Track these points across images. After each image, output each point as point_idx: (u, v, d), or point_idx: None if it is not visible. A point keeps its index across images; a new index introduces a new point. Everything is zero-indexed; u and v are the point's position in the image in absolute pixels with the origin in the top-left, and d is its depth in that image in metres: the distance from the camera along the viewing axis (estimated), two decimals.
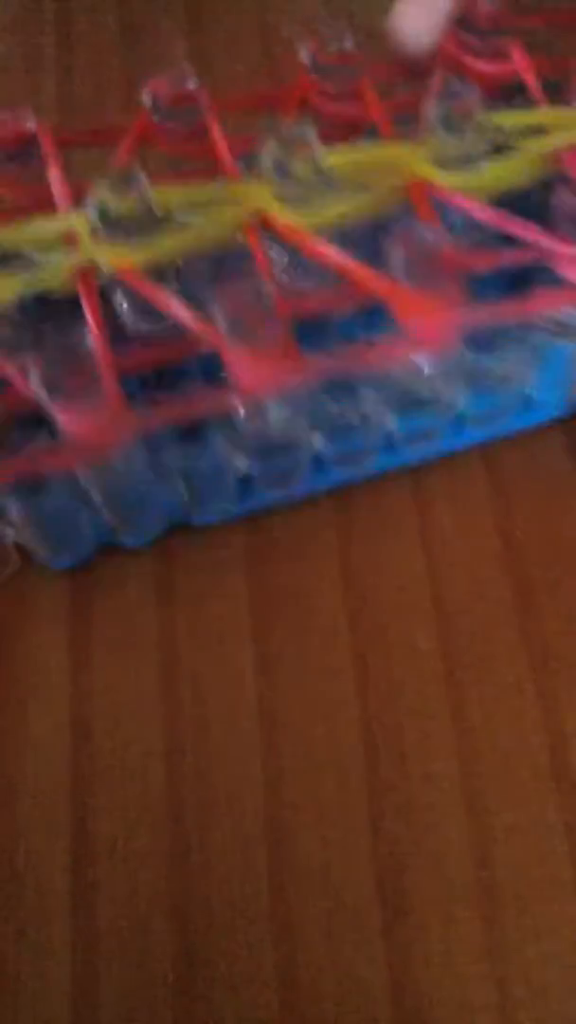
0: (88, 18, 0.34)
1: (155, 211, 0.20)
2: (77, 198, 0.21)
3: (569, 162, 0.21)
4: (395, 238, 0.20)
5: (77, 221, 0.20)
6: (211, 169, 0.22)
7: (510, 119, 0.22)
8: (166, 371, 0.21)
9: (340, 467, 0.24)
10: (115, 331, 0.20)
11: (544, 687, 0.23)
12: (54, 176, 0.21)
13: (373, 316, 0.22)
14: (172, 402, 0.20)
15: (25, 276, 0.20)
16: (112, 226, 0.20)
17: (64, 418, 0.19)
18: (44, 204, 0.21)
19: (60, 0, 0.34)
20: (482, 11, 0.23)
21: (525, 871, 0.21)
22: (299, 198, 0.20)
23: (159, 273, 0.20)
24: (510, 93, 0.23)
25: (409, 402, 0.23)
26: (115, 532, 0.24)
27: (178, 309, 0.19)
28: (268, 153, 0.21)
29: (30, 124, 0.22)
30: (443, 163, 0.21)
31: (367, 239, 0.21)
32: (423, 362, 0.22)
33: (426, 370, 0.22)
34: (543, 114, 0.22)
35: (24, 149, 0.22)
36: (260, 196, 0.20)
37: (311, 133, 0.21)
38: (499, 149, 0.21)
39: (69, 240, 0.20)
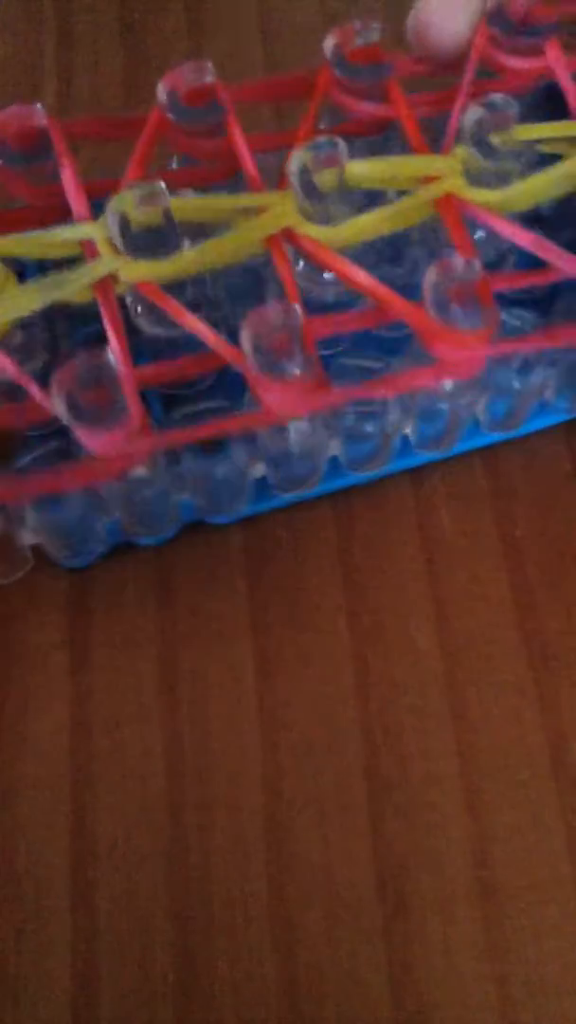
0: (88, 18, 0.34)
1: (176, 224, 0.19)
2: (91, 197, 0.20)
3: None
4: (428, 263, 0.19)
5: (96, 231, 0.19)
6: (227, 167, 0.21)
7: (546, 130, 0.21)
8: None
9: (356, 470, 0.24)
10: (130, 340, 0.19)
11: (544, 687, 0.23)
12: (68, 180, 0.20)
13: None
14: (194, 424, 0.19)
15: (45, 288, 0.19)
16: (132, 239, 0.19)
17: (88, 440, 0.18)
18: (57, 204, 0.20)
19: (60, 0, 0.34)
20: (515, 5, 0.22)
21: (525, 871, 0.21)
22: (324, 212, 0.20)
23: (180, 287, 0.20)
24: (546, 96, 0.22)
25: (429, 411, 0.23)
26: (130, 533, 0.23)
27: (202, 329, 0.19)
28: (295, 164, 0.20)
29: (41, 120, 0.21)
30: (476, 178, 0.20)
31: (388, 244, 0.21)
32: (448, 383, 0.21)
33: (448, 387, 0.21)
34: None
35: (35, 146, 0.21)
36: (284, 210, 0.20)
37: (342, 146, 0.20)
38: (536, 163, 0.20)
39: (87, 250, 0.20)
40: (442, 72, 0.23)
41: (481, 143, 0.20)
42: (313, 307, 0.20)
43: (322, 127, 0.23)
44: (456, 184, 0.20)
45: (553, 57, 0.22)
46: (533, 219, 0.21)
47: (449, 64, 0.22)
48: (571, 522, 0.25)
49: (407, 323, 0.19)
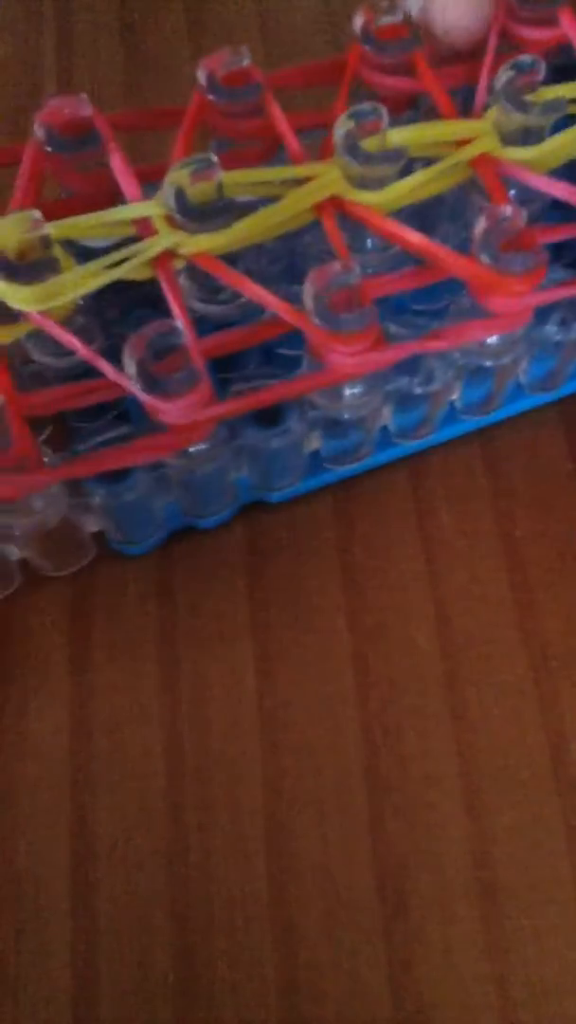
0: (88, 18, 0.34)
1: (228, 198, 0.20)
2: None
3: None
4: (474, 213, 0.20)
5: (153, 208, 0.20)
6: (267, 147, 0.22)
7: (572, 89, 0.21)
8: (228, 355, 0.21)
9: (403, 440, 0.25)
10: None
11: (544, 687, 0.23)
12: (118, 164, 0.21)
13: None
14: (256, 389, 0.20)
15: (106, 266, 0.19)
16: (188, 212, 0.20)
17: (161, 409, 0.19)
18: (104, 191, 0.21)
19: (60, 0, 0.34)
20: None
21: (525, 871, 0.21)
22: (370, 178, 0.20)
23: (233, 259, 0.20)
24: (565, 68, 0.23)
25: (473, 372, 0.23)
26: (190, 517, 0.24)
27: (262, 293, 0.19)
28: (340, 130, 0.20)
29: (86, 109, 0.21)
30: (508, 138, 0.21)
31: (421, 213, 0.22)
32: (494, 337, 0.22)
33: (495, 343, 0.22)
34: None
35: (81, 135, 0.21)
36: (332, 177, 0.20)
37: (383, 112, 0.20)
38: (565, 122, 0.21)
39: (142, 228, 0.20)
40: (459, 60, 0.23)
41: (512, 100, 0.20)
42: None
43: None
44: (490, 144, 0.21)
45: (568, 24, 0.22)
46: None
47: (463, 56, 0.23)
48: (571, 522, 0.25)
49: (460, 275, 0.20)
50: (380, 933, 0.21)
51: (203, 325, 0.21)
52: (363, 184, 0.20)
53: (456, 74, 0.23)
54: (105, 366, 0.19)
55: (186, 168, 0.19)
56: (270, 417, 0.21)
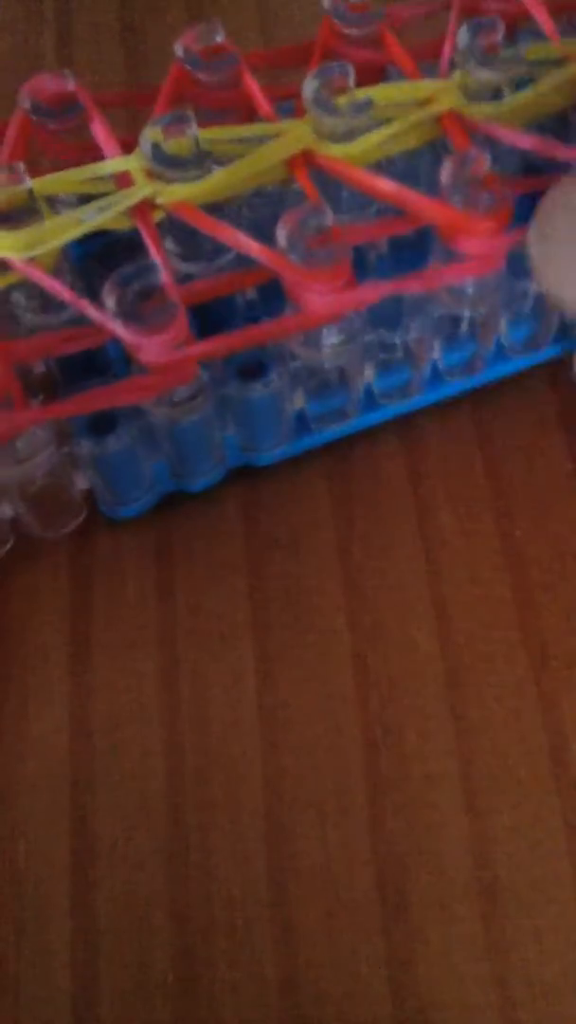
0: (88, 18, 0.34)
1: (205, 150, 0.21)
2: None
3: None
4: (443, 161, 0.21)
5: (131, 162, 0.21)
6: (243, 116, 0.23)
7: (532, 51, 0.22)
8: (208, 310, 0.22)
9: (388, 401, 0.25)
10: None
11: (544, 687, 0.23)
12: (99, 129, 0.22)
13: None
14: (235, 332, 0.21)
15: (87, 215, 0.20)
16: (164, 162, 0.21)
17: (141, 345, 0.20)
18: (88, 160, 0.22)
19: (60, 0, 0.34)
20: None
21: (525, 871, 0.21)
22: (341, 132, 0.21)
23: (212, 210, 0.21)
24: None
25: (450, 331, 0.24)
26: (178, 479, 0.24)
27: (237, 236, 0.20)
28: (309, 87, 0.21)
29: (70, 84, 0.22)
30: (474, 98, 0.22)
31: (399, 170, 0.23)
32: (468, 286, 0.22)
33: (470, 291, 0.22)
34: (561, 46, 0.23)
35: (65, 108, 0.22)
36: (304, 132, 0.21)
37: (349, 69, 0.21)
38: (526, 81, 0.22)
39: (121, 182, 0.21)
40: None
41: (475, 57, 0.22)
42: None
43: None
44: (455, 100, 0.22)
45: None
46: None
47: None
48: (571, 522, 0.25)
49: (430, 219, 0.21)
50: (380, 933, 0.21)
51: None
52: (334, 139, 0.22)
53: (421, 49, 0.24)
54: (87, 307, 0.20)
55: (160, 123, 0.21)
56: (253, 374, 0.22)
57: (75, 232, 0.20)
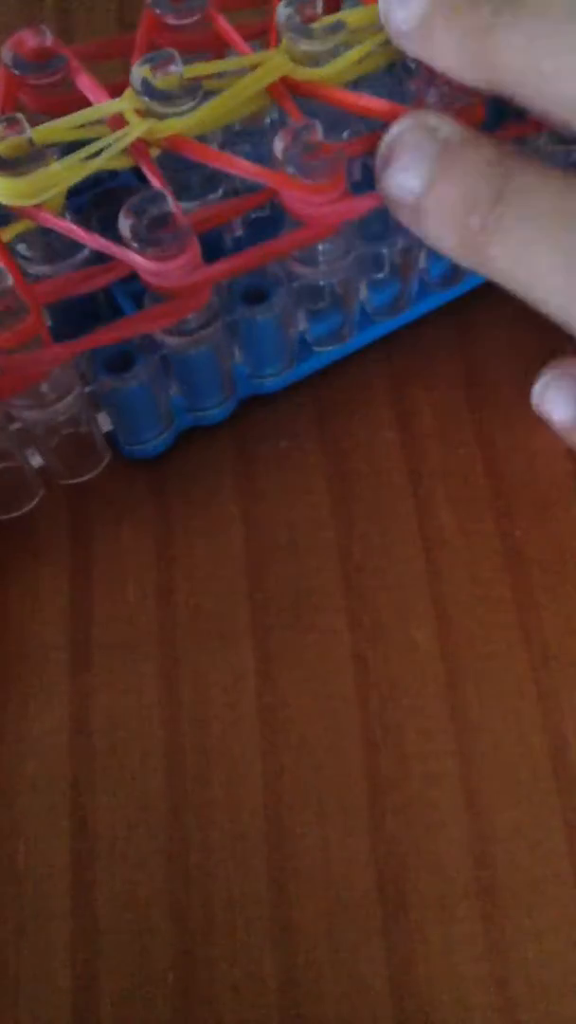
0: (88, 17, 0.34)
1: (192, 84, 0.21)
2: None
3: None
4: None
5: (123, 103, 0.21)
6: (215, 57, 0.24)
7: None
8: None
9: (380, 318, 0.27)
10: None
11: (544, 687, 0.23)
12: (85, 79, 0.22)
13: None
14: (247, 251, 0.22)
15: (85, 157, 0.21)
16: (159, 97, 0.21)
17: (154, 270, 0.20)
18: (71, 111, 0.22)
19: (60, 0, 0.34)
20: None
21: (525, 871, 0.21)
22: (317, 54, 0.22)
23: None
24: None
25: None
26: (193, 413, 0.25)
27: (235, 161, 0.21)
28: (283, 13, 0.22)
29: (48, 40, 0.23)
30: (299, 62, 0.23)
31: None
32: None
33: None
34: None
35: (45, 62, 0.23)
36: (280, 60, 0.22)
37: None
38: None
39: (114, 126, 0.21)
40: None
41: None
42: None
43: None
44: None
45: None
46: None
47: None
48: (571, 522, 0.25)
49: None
50: (380, 933, 0.21)
51: None
52: (310, 63, 0.22)
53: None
54: (102, 241, 0.20)
55: (147, 63, 0.21)
56: (258, 300, 0.23)
57: (81, 173, 0.21)
